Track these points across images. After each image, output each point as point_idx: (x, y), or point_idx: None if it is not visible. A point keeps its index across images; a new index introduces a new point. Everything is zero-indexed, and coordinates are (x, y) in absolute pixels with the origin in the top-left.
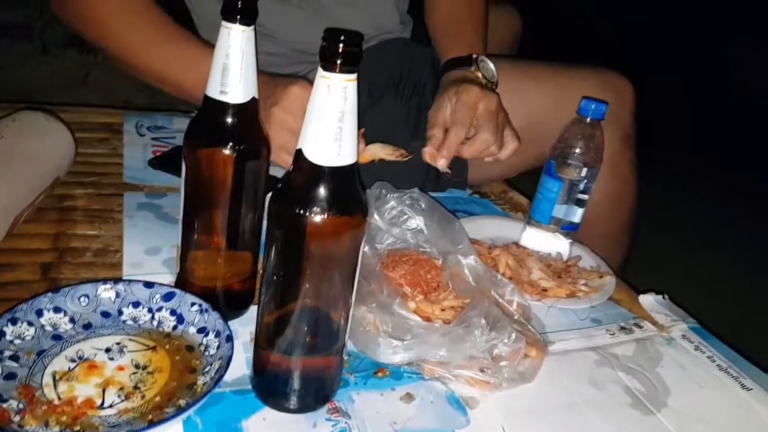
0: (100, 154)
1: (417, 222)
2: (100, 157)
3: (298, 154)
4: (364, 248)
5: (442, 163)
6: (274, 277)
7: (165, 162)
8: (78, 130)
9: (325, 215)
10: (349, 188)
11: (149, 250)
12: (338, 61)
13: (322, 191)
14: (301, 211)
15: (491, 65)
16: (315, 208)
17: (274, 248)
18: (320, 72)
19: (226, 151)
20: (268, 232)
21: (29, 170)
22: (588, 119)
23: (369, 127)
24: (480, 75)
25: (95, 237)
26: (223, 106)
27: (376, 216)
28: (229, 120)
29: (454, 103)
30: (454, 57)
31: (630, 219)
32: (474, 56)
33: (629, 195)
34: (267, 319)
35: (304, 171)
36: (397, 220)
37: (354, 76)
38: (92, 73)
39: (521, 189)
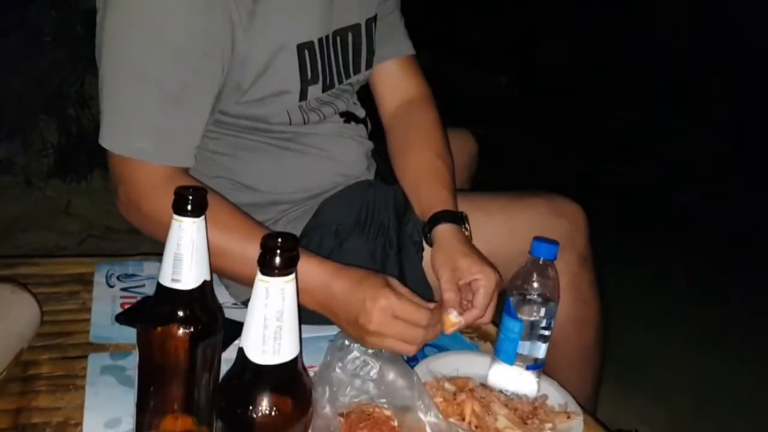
0: (68, 310)
1: (379, 373)
2: (67, 314)
3: (240, 352)
4: (325, 408)
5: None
6: None
7: (131, 316)
8: (48, 284)
9: (268, 414)
10: (291, 382)
11: (109, 422)
12: (275, 267)
13: (265, 390)
14: (246, 411)
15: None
16: (259, 408)
17: None
18: (259, 276)
19: (180, 335)
20: (216, 423)
21: None
22: (541, 260)
23: None
24: (468, 233)
25: (56, 410)
26: (175, 293)
27: (338, 368)
28: (182, 305)
29: (476, 282)
30: (443, 210)
31: (596, 338)
32: (464, 214)
33: (593, 316)
34: None
35: (247, 370)
36: (360, 371)
37: (292, 276)
38: (74, 201)
39: None
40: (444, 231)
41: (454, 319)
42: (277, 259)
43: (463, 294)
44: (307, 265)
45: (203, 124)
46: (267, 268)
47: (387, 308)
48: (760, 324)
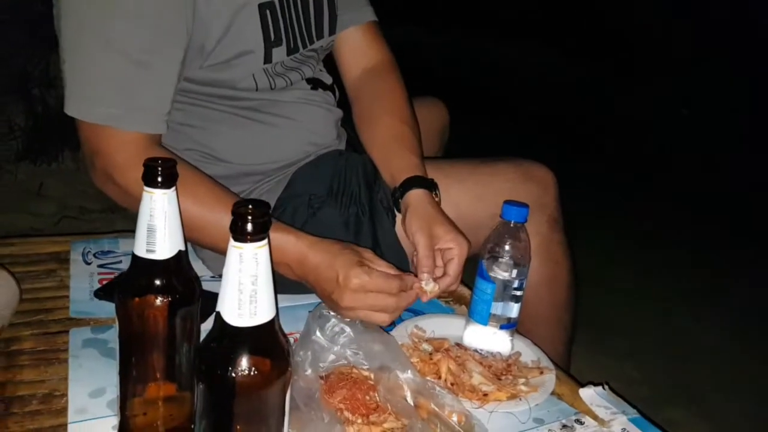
0: (47, 288)
1: (357, 339)
2: (46, 292)
3: (218, 316)
4: (307, 371)
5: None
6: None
7: (110, 291)
8: (25, 263)
9: (248, 375)
10: (269, 344)
11: (94, 392)
12: (248, 233)
13: (243, 351)
14: (226, 373)
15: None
16: (238, 369)
17: (203, 402)
18: (232, 242)
19: (158, 305)
20: (197, 387)
21: None
22: (512, 223)
23: None
24: (438, 199)
25: (41, 382)
26: (151, 264)
27: (318, 333)
28: (158, 275)
29: (450, 251)
30: (414, 176)
31: (568, 298)
32: (434, 181)
33: (563, 275)
34: None
35: (225, 333)
36: (338, 338)
37: (264, 242)
38: (46, 183)
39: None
40: (417, 196)
41: (429, 287)
42: (249, 226)
43: (435, 260)
44: (283, 238)
45: (172, 88)
46: (239, 234)
47: (359, 287)
48: (732, 285)
